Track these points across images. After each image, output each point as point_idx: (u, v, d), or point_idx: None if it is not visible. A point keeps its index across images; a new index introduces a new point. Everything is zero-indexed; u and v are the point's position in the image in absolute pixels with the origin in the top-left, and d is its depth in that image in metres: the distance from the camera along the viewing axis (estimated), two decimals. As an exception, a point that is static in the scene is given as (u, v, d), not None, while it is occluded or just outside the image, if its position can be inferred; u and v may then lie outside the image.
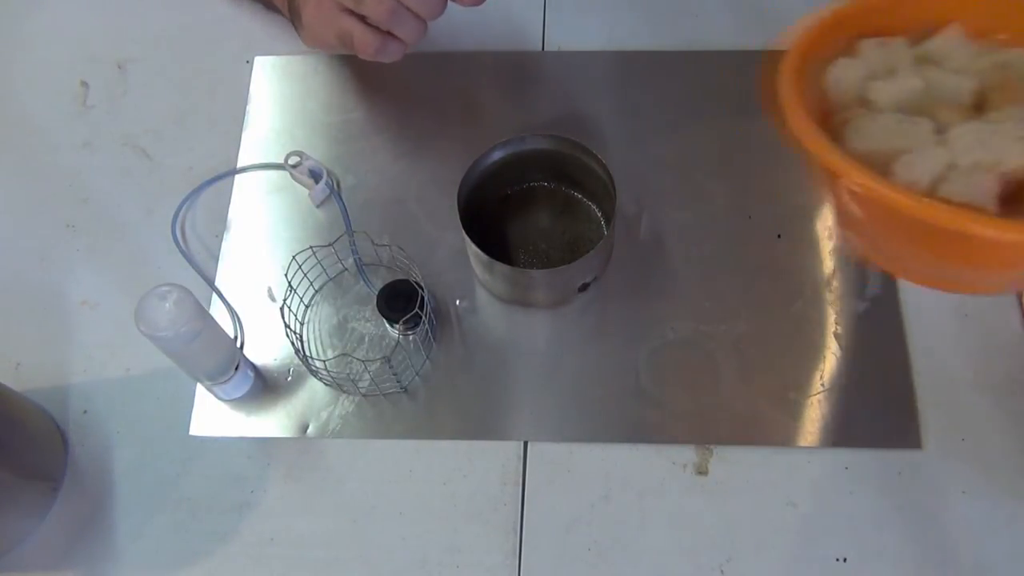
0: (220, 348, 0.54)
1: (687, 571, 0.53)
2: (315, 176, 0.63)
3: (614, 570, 0.53)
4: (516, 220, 0.62)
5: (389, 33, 0.56)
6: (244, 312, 0.61)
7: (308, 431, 0.57)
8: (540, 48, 0.70)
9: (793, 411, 0.56)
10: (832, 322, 0.59)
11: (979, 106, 0.36)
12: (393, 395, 0.58)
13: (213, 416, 0.58)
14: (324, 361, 0.58)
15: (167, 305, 0.49)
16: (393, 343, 0.59)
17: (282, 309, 0.56)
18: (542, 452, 0.56)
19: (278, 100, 0.68)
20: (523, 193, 0.63)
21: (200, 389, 0.58)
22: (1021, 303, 0.58)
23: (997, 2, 0.39)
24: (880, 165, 0.33)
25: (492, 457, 0.56)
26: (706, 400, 0.57)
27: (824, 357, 0.57)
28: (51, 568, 0.54)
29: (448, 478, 0.55)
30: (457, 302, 0.60)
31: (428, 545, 0.54)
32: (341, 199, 0.64)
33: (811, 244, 0.61)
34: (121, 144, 0.68)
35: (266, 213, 0.64)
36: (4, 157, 0.68)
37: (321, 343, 0.59)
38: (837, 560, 0.53)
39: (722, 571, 0.53)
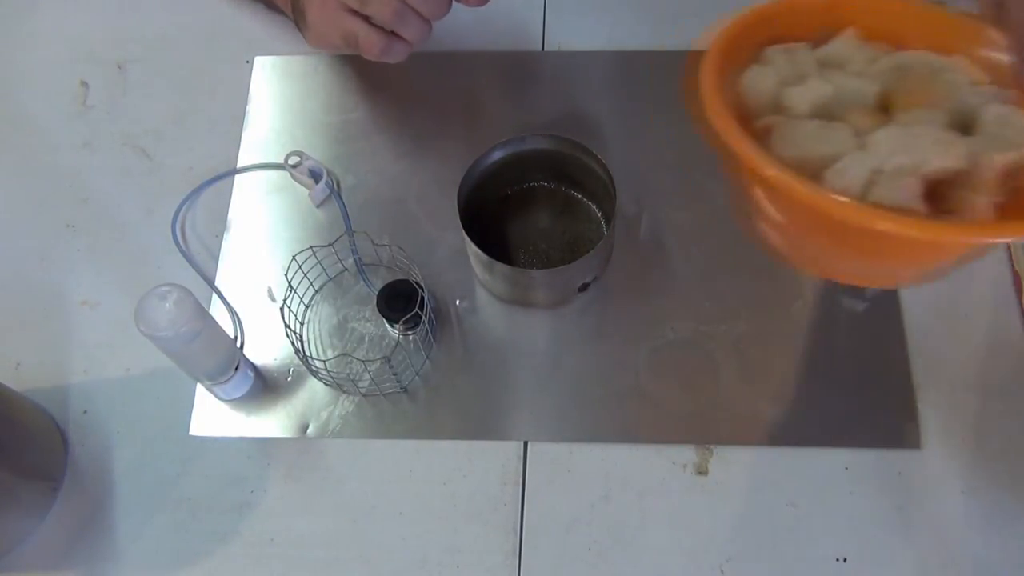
0: (220, 348, 0.54)
1: (687, 571, 0.53)
2: (315, 176, 0.63)
3: (614, 570, 0.53)
4: (516, 220, 0.62)
5: (394, 33, 0.56)
6: (244, 312, 0.61)
7: (308, 431, 0.57)
8: (540, 48, 0.70)
9: (793, 411, 0.56)
10: (832, 322, 0.59)
11: (883, 108, 0.37)
12: (393, 395, 0.58)
13: (213, 416, 0.58)
14: (324, 361, 0.58)
15: (167, 305, 0.49)
16: (393, 343, 0.59)
17: (282, 309, 0.56)
18: (542, 452, 0.56)
19: (278, 100, 0.68)
20: (523, 193, 0.63)
21: (200, 389, 0.58)
22: (1021, 303, 0.58)
23: (887, 7, 0.40)
24: (809, 171, 0.34)
25: (492, 457, 0.56)
26: (706, 400, 0.57)
27: (824, 357, 0.57)
28: (51, 568, 0.54)
29: (448, 478, 0.55)
30: (457, 302, 0.60)
31: (428, 545, 0.54)
32: (341, 199, 0.64)
33: (811, 244, 0.61)
34: (121, 144, 0.68)
35: (266, 213, 0.64)
36: (4, 157, 0.68)
37: (321, 343, 0.59)
38: (837, 560, 0.53)
39: (722, 571, 0.53)
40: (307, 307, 0.60)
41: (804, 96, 0.37)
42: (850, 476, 0.54)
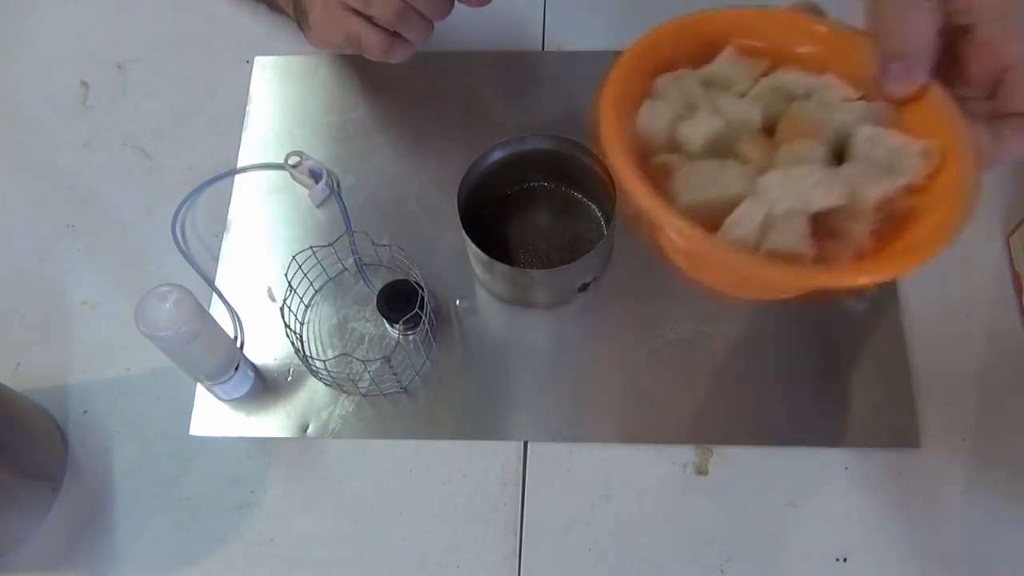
0: (220, 348, 0.54)
1: (687, 571, 0.53)
2: (315, 176, 0.63)
3: (614, 570, 0.53)
4: (516, 220, 0.62)
5: (396, 33, 0.56)
6: (244, 312, 0.61)
7: (308, 431, 0.57)
8: (540, 48, 0.70)
9: (793, 411, 0.56)
10: (832, 322, 0.58)
11: (769, 129, 0.40)
12: (393, 395, 0.58)
13: (213, 416, 0.58)
14: (324, 361, 0.58)
15: (167, 305, 0.49)
16: (393, 343, 0.59)
17: (282, 309, 0.56)
18: (542, 452, 0.56)
19: (278, 100, 0.68)
20: (523, 193, 0.63)
21: (200, 389, 0.58)
22: (1021, 303, 0.58)
23: (760, 22, 0.42)
24: (710, 213, 0.37)
25: (492, 457, 0.56)
26: (706, 400, 0.57)
27: (824, 357, 0.57)
28: (51, 568, 0.54)
29: (448, 478, 0.55)
30: (457, 302, 0.60)
31: (428, 545, 0.54)
32: (341, 199, 0.64)
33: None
34: (121, 144, 0.68)
35: (266, 213, 0.64)
36: (4, 157, 0.68)
37: (321, 343, 0.59)
38: (837, 560, 0.53)
39: (722, 571, 0.53)
40: (307, 307, 0.60)
41: (697, 132, 0.39)
42: (850, 476, 0.54)
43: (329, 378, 0.57)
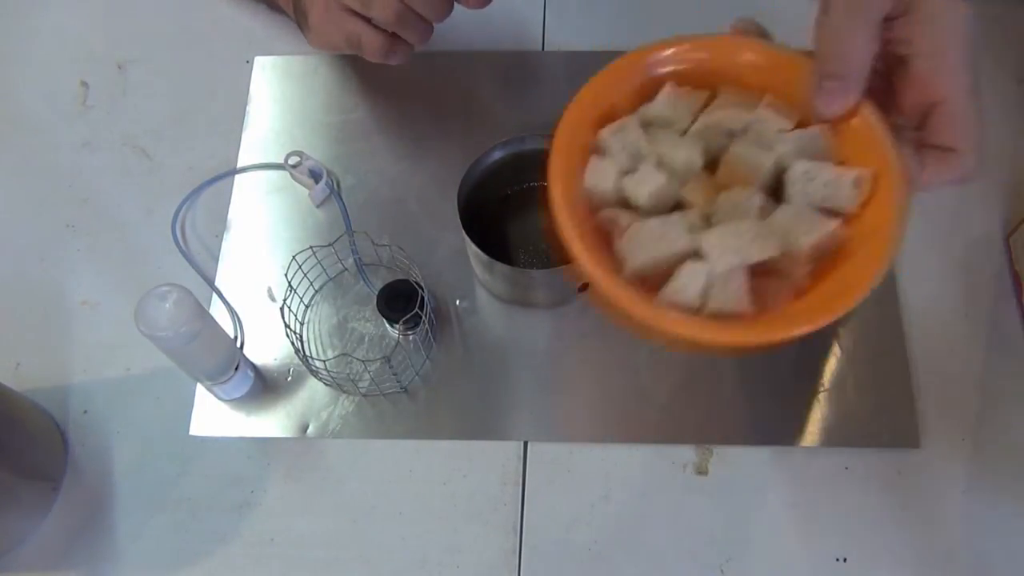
0: (220, 348, 0.54)
1: (687, 571, 0.53)
2: (315, 176, 0.63)
3: (614, 570, 0.53)
4: (516, 220, 0.62)
5: (395, 35, 0.56)
6: (244, 312, 0.61)
7: (308, 431, 0.57)
8: (540, 48, 0.70)
9: (793, 411, 0.56)
10: (832, 322, 0.58)
11: (713, 163, 0.42)
12: (393, 395, 0.58)
13: (213, 416, 0.58)
14: (324, 361, 0.58)
15: (167, 305, 0.49)
16: (393, 343, 0.59)
17: (282, 309, 0.56)
18: (542, 452, 0.56)
19: (278, 100, 0.68)
20: (523, 193, 0.63)
21: (200, 389, 0.58)
22: (1021, 303, 0.58)
23: (701, 50, 0.44)
24: (657, 272, 0.39)
25: (492, 457, 0.56)
26: (706, 400, 0.57)
27: (824, 357, 0.57)
28: (51, 568, 0.54)
29: (448, 478, 0.55)
30: (457, 302, 0.60)
31: (428, 545, 0.54)
32: (341, 199, 0.64)
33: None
34: (121, 144, 0.68)
35: (266, 213, 0.64)
36: (4, 157, 0.68)
37: (321, 343, 0.59)
38: (837, 560, 0.53)
39: (722, 571, 0.53)
40: (307, 307, 0.60)
41: (641, 190, 0.41)
42: (850, 476, 0.54)
43: (329, 378, 0.57)
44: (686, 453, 0.55)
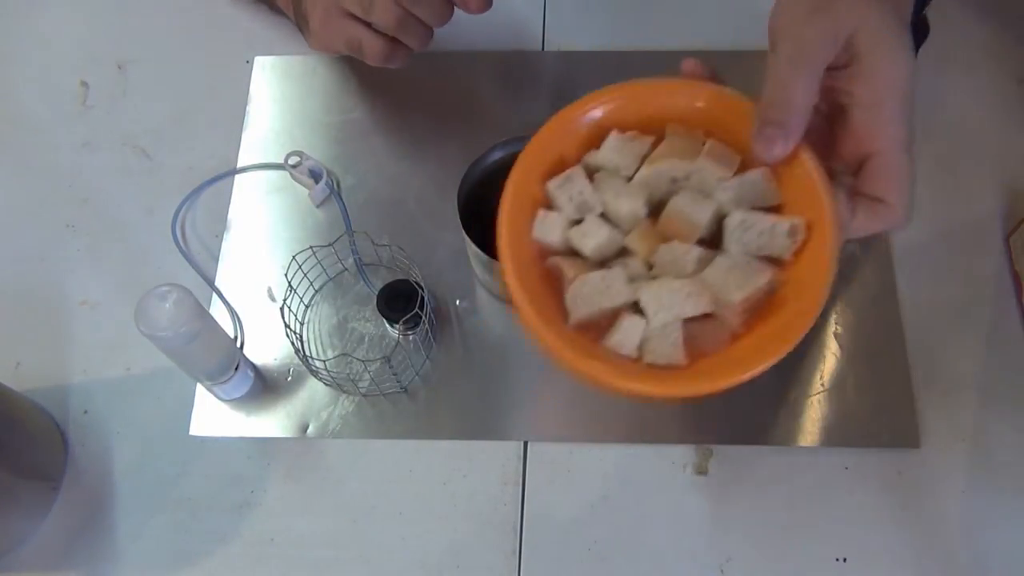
0: (220, 348, 0.54)
1: (687, 571, 0.53)
2: (315, 176, 0.63)
3: (614, 570, 0.53)
4: (516, 220, 0.62)
5: (395, 40, 0.56)
6: (244, 312, 0.61)
7: (308, 431, 0.57)
8: (540, 48, 0.70)
9: (793, 411, 0.56)
10: (832, 322, 0.59)
11: (657, 210, 0.44)
12: (393, 395, 0.58)
13: (213, 416, 0.58)
14: (324, 361, 0.58)
15: (167, 305, 0.49)
16: (393, 343, 0.59)
17: (282, 309, 0.56)
18: (542, 452, 0.56)
19: (278, 100, 0.68)
20: (523, 193, 0.63)
21: (200, 389, 0.58)
22: (1021, 303, 0.58)
23: (648, 95, 0.46)
24: (600, 322, 0.42)
25: (492, 457, 0.56)
26: (706, 400, 0.57)
27: (824, 357, 0.57)
28: (51, 568, 0.54)
29: (448, 478, 0.55)
30: (457, 302, 0.60)
31: (428, 545, 0.54)
32: (341, 199, 0.64)
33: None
34: (121, 144, 0.68)
35: (266, 213, 0.64)
36: (4, 157, 0.68)
37: (321, 343, 0.59)
38: (837, 560, 0.53)
39: (722, 571, 0.53)
40: (307, 307, 0.60)
41: (586, 244, 0.43)
42: (850, 476, 0.54)
43: (329, 378, 0.57)
44: (686, 453, 0.55)
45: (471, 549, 0.53)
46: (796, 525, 0.53)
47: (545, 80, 0.69)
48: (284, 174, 0.65)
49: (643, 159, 0.45)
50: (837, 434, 0.55)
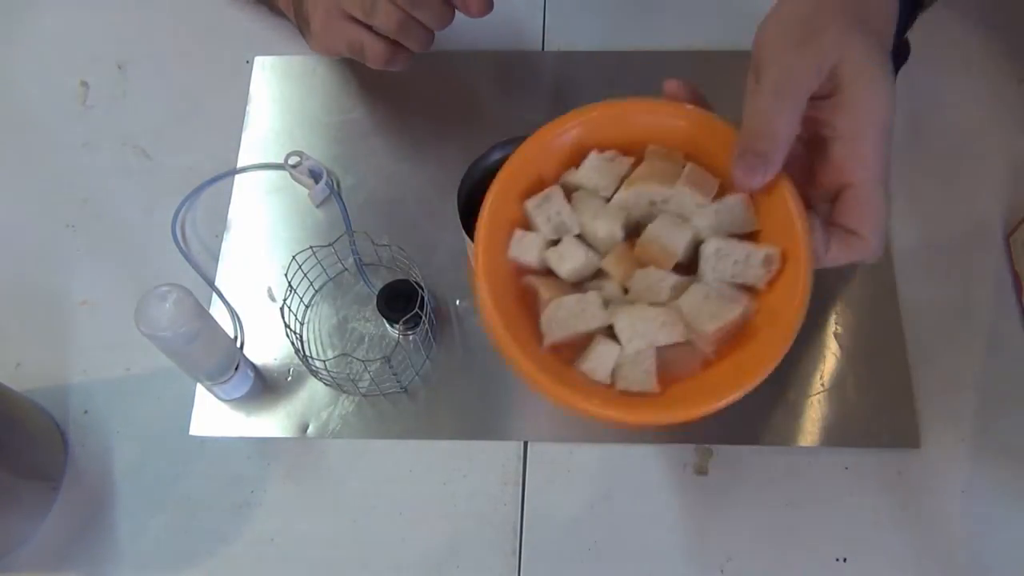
0: (220, 348, 0.54)
1: (687, 571, 0.53)
2: (315, 176, 0.63)
3: (614, 570, 0.53)
4: (516, 220, 0.62)
5: (396, 42, 0.56)
6: (244, 312, 0.61)
7: (308, 431, 0.57)
8: (540, 48, 0.70)
9: (793, 411, 0.56)
10: (832, 322, 0.59)
11: (635, 232, 0.44)
12: (393, 395, 0.58)
13: (213, 416, 0.58)
14: (324, 361, 0.58)
15: (167, 305, 0.49)
16: (393, 343, 0.59)
17: (282, 309, 0.56)
18: (542, 452, 0.56)
19: (278, 100, 0.68)
20: (523, 193, 0.63)
21: (200, 389, 0.58)
22: (1021, 303, 0.58)
23: (629, 114, 0.46)
24: (574, 344, 0.43)
25: (492, 457, 0.56)
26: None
27: (824, 357, 0.57)
28: (51, 568, 0.54)
29: (448, 478, 0.55)
30: (457, 302, 0.60)
31: (428, 545, 0.54)
32: (341, 199, 0.64)
33: (811, 244, 0.61)
34: (121, 144, 0.68)
35: (266, 213, 0.64)
36: (4, 157, 0.68)
37: (321, 343, 0.59)
38: (837, 560, 0.53)
39: (722, 571, 0.53)
40: (307, 307, 0.60)
41: (563, 266, 0.44)
42: (850, 476, 0.54)
43: (329, 378, 0.57)
44: (686, 453, 0.55)
45: (471, 549, 0.53)
46: (796, 525, 0.53)
47: (545, 80, 0.69)
48: (284, 174, 0.65)
49: (622, 180, 0.45)
50: (837, 434, 0.55)
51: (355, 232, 0.61)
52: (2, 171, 0.67)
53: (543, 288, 0.44)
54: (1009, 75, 0.67)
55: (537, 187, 0.45)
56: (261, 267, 0.62)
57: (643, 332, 0.42)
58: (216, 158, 0.66)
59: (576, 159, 0.46)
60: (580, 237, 0.45)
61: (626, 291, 0.44)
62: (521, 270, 0.45)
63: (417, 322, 0.57)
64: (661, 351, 0.42)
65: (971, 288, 0.59)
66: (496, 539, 0.54)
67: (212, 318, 0.53)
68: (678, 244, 0.43)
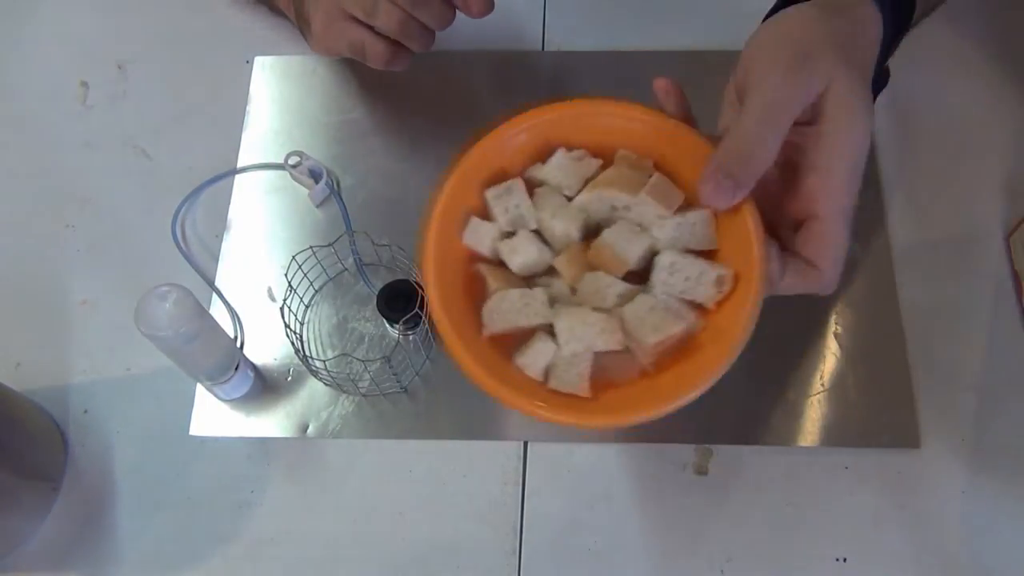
0: (220, 348, 0.54)
1: (687, 571, 0.53)
2: (315, 176, 0.63)
3: (614, 570, 0.53)
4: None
5: (397, 43, 0.56)
6: (244, 312, 0.61)
7: (308, 431, 0.57)
8: (540, 48, 0.70)
9: (793, 411, 0.56)
10: (832, 322, 0.59)
11: (593, 234, 0.44)
12: (393, 395, 0.58)
13: (213, 416, 0.58)
14: (324, 361, 0.58)
15: (167, 305, 0.49)
16: (393, 343, 0.59)
17: (282, 309, 0.56)
18: (542, 452, 0.56)
19: (278, 100, 0.68)
20: (523, 193, 0.63)
21: (200, 389, 0.58)
22: (1021, 303, 0.58)
23: (599, 116, 0.46)
24: (513, 337, 0.43)
25: (492, 457, 0.56)
26: (706, 400, 0.56)
27: (824, 357, 0.57)
28: (51, 568, 0.54)
29: (448, 478, 0.55)
30: (457, 302, 0.60)
31: (428, 545, 0.54)
32: (341, 199, 0.64)
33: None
34: (121, 144, 0.68)
35: (266, 213, 0.64)
36: (4, 157, 0.68)
37: (321, 343, 0.59)
38: (837, 560, 0.53)
39: (722, 571, 0.53)
40: (307, 307, 0.60)
41: (514, 260, 0.44)
42: (850, 476, 0.54)
43: (329, 378, 0.57)
44: (686, 453, 0.55)
45: (471, 549, 0.53)
46: (796, 525, 0.53)
47: (545, 80, 0.69)
48: (284, 174, 0.65)
49: (587, 181, 0.45)
50: (837, 434, 0.55)
51: (355, 232, 0.61)
52: (2, 171, 0.67)
53: (491, 278, 0.44)
54: (1009, 75, 0.67)
55: (501, 178, 0.45)
56: (261, 267, 0.62)
57: (581, 335, 0.42)
58: (216, 158, 0.66)
59: (544, 154, 0.46)
60: (537, 233, 0.45)
61: (575, 292, 0.44)
62: (475, 257, 0.45)
63: (417, 322, 0.57)
64: (599, 356, 0.42)
65: (971, 288, 0.59)
66: (496, 539, 0.54)
67: (212, 318, 0.53)
68: (631, 253, 0.43)
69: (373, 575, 0.53)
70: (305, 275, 0.59)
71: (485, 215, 0.45)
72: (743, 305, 0.41)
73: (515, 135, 0.46)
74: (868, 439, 0.55)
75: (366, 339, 0.59)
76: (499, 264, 0.45)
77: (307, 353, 0.59)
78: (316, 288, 0.61)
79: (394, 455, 0.56)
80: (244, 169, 0.66)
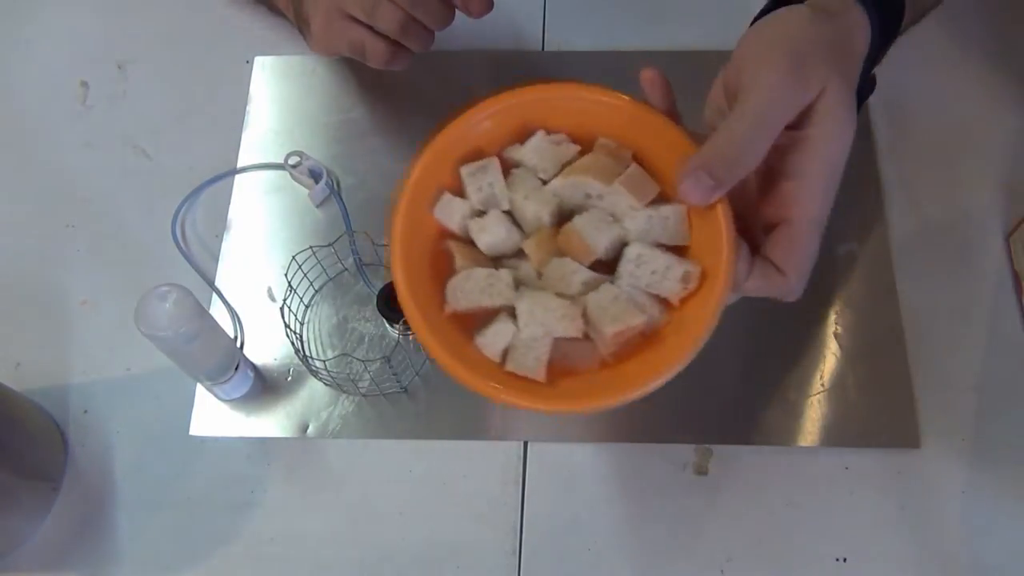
0: (220, 348, 0.54)
1: (687, 571, 0.53)
2: (315, 176, 0.63)
3: (614, 570, 0.53)
4: (516, 220, 0.62)
5: (397, 42, 0.56)
6: (244, 312, 0.61)
7: (308, 431, 0.57)
8: (540, 48, 0.70)
9: (793, 411, 0.56)
10: (832, 322, 0.59)
11: (565, 218, 0.44)
12: (393, 395, 0.58)
13: (213, 416, 0.58)
14: (324, 361, 0.58)
15: (167, 305, 0.49)
16: (393, 343, 0.59)
17: (282, 309, 0.56)
18: (542, 452, 0.56)
19: (278, 100, 0.68)
20: (523, 193, 0.63)
21: (200, 389, 0.58)
22: (1021, 303, 0.58)
23: (579, 101, 0.46)
24: (476, 316, 0.43)
25: (492, 457, 0.56)
26: (706, 400, 0.57)
27: (824, 357, 0.57)
28: (51, 568, 0.54)
29: (448, 478, 0.55)
30: (457, 302, 0.60)
31: (428, 545, 0.54)
32: (341, 199, 0.64)
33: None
34: (121, 144, 0.68)
35: (266, 213, 0.64)
36: (4, 157, 0.68)
37: (321, 343, 0.59)
38: (837, 560, 0.53)
39: (722, 571, 0.53)
40: (307, 307, 0.60)
41: (482, 239, 0.44)
42: (850, 476, 0.54)
43: (329, 378, 0.57)
44: (686, 453, 0.55)
45: (471, 549, 0.53)
46: (796, 525, 0.53)
47: (544, 80, 0.69)
48: (284, 174, 0.65)
49: (564, 166, 0.45)
50: (837, 434, 0.55)
51: (355, 232, 0.61)
52: (2, 171, 0.67)
53: (459, 255, 0.44)
54: (1009, 75, 0.67)
55: (478, 156, 0.45)
56: (261, 267, 0.62)
57: (542, 320, 0.41)
58: (216, 158, 0.66)
59: (524, 136, 0.46)
60: (508, 214, 0.44)
61: (541, 276, 0.44)
62: (445, 234, 0.45)
63: (417, 322, 0.57)
64: (561, 344, 0.42)
65: (971, 288, 0.59)
66: (496, 539, 0.54)
67: (212, 318, 0.53)
68: (599, 242, 0.42)
69: (373, 575, 0.53)
70: (305, 275, 0.59)
71: (460, 194, 0.45)
72: (707, 303, 0.40)
73: (494, 113, 0.45)
74: (868, 439, 0.55)
75: (366, 339, 0.59)
76: (469, 243, 0.45)
77: (307, 353, 0.59)
78: (316, 288, 0.61)
79: (394, 455, 0.56)
80: (244, 169, 0.66)
